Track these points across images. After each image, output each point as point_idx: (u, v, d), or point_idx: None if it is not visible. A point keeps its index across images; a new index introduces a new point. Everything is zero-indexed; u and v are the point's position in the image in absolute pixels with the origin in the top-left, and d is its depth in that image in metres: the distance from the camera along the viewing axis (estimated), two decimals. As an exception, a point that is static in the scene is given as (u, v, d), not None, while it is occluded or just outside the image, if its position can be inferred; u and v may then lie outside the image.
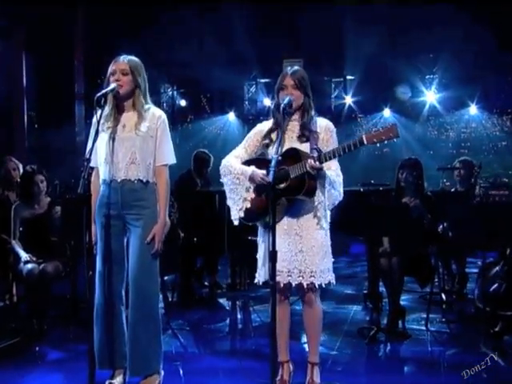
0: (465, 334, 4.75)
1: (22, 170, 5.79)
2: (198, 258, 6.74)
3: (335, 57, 11.21)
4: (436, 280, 5.34)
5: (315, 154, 3.22)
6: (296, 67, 3.51)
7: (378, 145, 3.21)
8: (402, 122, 12.19)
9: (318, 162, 3.18)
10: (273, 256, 2.99)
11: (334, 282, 3.45)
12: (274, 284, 3.04)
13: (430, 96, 11.61)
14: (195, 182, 7.02)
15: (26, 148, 9.46)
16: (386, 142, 3.10)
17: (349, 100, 12.00)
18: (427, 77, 11.48)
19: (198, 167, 7.11)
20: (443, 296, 5.59)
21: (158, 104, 11.96)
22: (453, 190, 6.45)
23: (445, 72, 11.09)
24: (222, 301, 6.29)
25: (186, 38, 11.20)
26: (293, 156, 3.29)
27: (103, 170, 3.45)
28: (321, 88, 11.51)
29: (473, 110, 11.81)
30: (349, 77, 11.82)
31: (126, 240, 3.53)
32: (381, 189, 5.88)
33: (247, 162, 3.48)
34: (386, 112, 12.03)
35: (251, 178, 3.40)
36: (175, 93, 12.50)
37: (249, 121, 12.59)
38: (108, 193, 3.45)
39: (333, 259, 3.48)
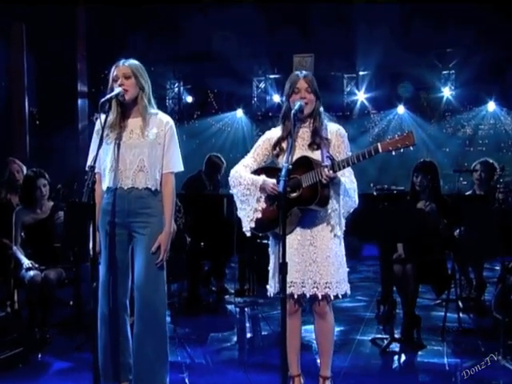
0: (483, 345, 4.69)
1: (25, 172, 5.81)
2: (205, 262, 6.77)
3: (347, 51, 11.16)
4: (452, 286, 5.31)
5: (328, 163, 3.21)
6: (305, 71, 3.49)
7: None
8: (417, 118, 12.15)
9: (331, 171, 3.18)
10: (283, 268, 3.00)
11: (349, 293, 3.46)
12: (284, 297, 3.04)
13: (447, 92, 11.56)
14: (204, 184, 7.02)
15: (26, 147, 9.51)
16: (402, 150, 3.10)
17: (362, 96, 11.95)
18: (444, 72, 11.42)
19: (209, 172, 7.08)
20: (460, 304, 5.56)
21: (163, 100, 12.07)
22: (470, 192, 6.37)
23: (462, 67, 11.03)
24: (230, 307, 6.29)
25: (192, 33, 11.20)
26: (305, 164, 3.29)
27: (108, 177, 3.45)
28: (332, 84, 11.48)
29: (491, 106, 11.74)
30: (362, 72, 11.78)
31: (130, 249, 3.54)
32: (395, 192, 5.85)
33: (257, 171, 3.48)
34: (400, 109, 11.98)
35: (262, 188, 3.39)
36: (182, 89, 12.50)
37: (257, 118, 12.58)
38: (113, 200, 3.45)
39: (348, 269, 3.49)
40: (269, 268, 3.53)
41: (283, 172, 2.99)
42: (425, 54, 11.05)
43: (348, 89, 11.98)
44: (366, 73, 11.69)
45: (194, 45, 10.95)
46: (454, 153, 12.20)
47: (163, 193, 3.50)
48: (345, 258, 3.47)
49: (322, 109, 3.48)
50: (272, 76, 12.17)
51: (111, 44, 9.48)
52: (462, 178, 7.36)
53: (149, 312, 3.45)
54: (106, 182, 3.47)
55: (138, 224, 3.46)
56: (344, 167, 3.22)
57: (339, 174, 3.26)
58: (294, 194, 3.30)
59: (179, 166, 3.55)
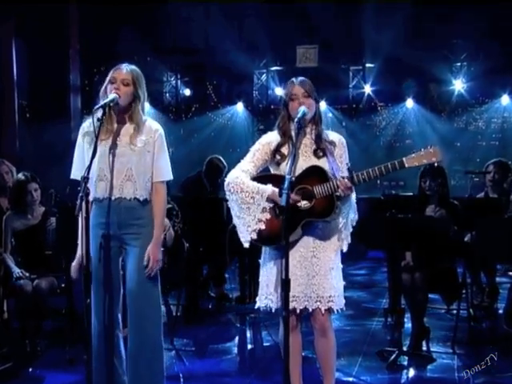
0: (495, 358, 4.62)
1: (15, 174, 5.80)
2: (204, 267, 6.76)
3: (353, 43, 11.13)
4: (463, 292, 5.29)
5: (346, 174, 3.21)
6: (301, 77, 3.47)
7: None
8: (427, 112, 12.14)
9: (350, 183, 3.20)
10: (286, 284, 3.00)
11: (344, 308, 3.45)
12: (287, 315, 3.04)
13: (458, 85, 11.56)
14: (204, 186, 6.97)
15: (16, 140, 9.49)
16: (427, 165, 3.10)
17: (368, 89, 11.93)
18: (455, 65, 11.41)
19: (210, 174, 7.01)
20: (471, 311, 5.53)
21: (160, 94, 12.05)
22: (482, 194, 6.33)
23: (474, 59, 11.02)
24: (230, 315, 6.28)
25: (190, 22, 11.17)
26: (316, 174, 3.28)
27: (97, 187, 3.43)
28: (338, 77, 11.46)
29: (505, 99, 11.75)
30: (368, 64, 11.75)
31: (121, 261, 3.54)
32: (403, 196, 5.84)
33: (257, 179, 3.42)
34: (409, 102, 11.98)
35: (270, 198, 3.34)
36: (179, 82, 12.47)
37: (259, 112, 12.57)
38: (102, 212, 3.44)
39: (344, 283, 3.50)
40: (259, 280, 3.52)
41: (286, 184, 2.98)
42: (435, 45, 11.03)
43: (354, 82, 11.97)
44: (372, 65, 11.68)
45: (193, 36, 10.93)
46: (466, 147, 12.22)
47: (154, 202, 3.50)
48: (341, 272, 3.48)
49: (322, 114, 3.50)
50: (274, 68, 12.14)
51: (105, 37, 9.46)
52: (473, 176, 7.37)
53: (143, 327, 3.46)
54: (93, 192, 3.43)
55: (130, 236, 3.46)
56: (365, 181, 3.21)
57: None
58: (306, 206, 3.28)
59: (169, 175, 3.56)
